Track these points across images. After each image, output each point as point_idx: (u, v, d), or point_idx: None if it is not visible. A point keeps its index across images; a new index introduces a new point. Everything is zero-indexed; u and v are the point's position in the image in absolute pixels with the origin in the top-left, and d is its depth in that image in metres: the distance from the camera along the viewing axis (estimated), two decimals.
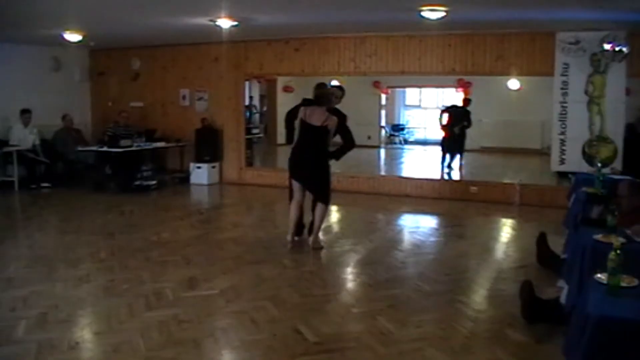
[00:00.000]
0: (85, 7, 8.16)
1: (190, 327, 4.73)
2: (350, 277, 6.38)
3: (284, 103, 19.45)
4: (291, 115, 7.21)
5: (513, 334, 4.61)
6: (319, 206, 7.04)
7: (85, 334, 4.63)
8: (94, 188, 11.33)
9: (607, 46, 8.79)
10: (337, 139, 7.04)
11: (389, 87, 19.65)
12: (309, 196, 7.16)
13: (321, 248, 7.15)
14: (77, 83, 13.48)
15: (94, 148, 11.71)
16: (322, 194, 7.00)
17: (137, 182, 11.41)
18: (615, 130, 9.38)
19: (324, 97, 6.88)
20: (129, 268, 6.36)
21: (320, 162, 6.90)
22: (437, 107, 21.22)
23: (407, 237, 8.25)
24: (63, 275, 6.08)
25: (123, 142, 11.21)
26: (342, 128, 6.98)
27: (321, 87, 7.05)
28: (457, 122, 13.41)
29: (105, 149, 11.33)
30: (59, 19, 9.07)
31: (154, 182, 11.67)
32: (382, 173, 14.74)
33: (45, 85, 12.38)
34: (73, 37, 10.36)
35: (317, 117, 6.71)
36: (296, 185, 7.05)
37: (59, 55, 12.73)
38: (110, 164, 11.70)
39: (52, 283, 5.82)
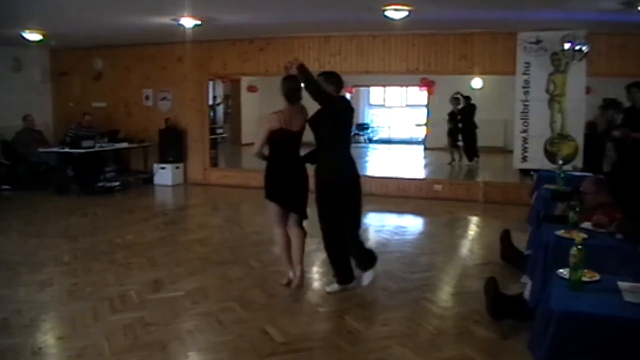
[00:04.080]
0: (46, 5, 8.04)
1: (156, 329, 4.69)
2: (316, 276, 6.36)
3: (248, 103, 19.45)
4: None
5: (479, 330, 4.67)
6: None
7: (48, 338, 4.56)
8: (57, 190, 11.15)
9: (567, 45, 8.92)
10: None
11: (353, 86, 19.66)
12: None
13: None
14: (38, 83, 13.24)
15: (56, 149, 11.52)
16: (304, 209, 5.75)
17: (101, 184, 11.27)
18: (576, 128, 9.52)
19: (296, 90, 5.49)
20: (93, 271, 6.28)
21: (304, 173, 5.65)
22: (401, 106, 21.47)
23: (373, 236, 8.27)
24: (25, 280, 5.99)
25: (85, 143, 11.05)
26: None
27: (291, 79, 5.46)
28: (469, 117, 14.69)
29: (67, 150, 11.16)
30: (18, 18, 8.90)
31: (117, 183, 11.55)
32: None
33: (5, 86, 12.12)
34: (33, 36, 10.18)
35: (299, 120, 5.51)
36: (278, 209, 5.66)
37: (19, 55, 12.50)
38: (72, 166, 11.52)
39: (15, 287, 5.73)
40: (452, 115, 15.08)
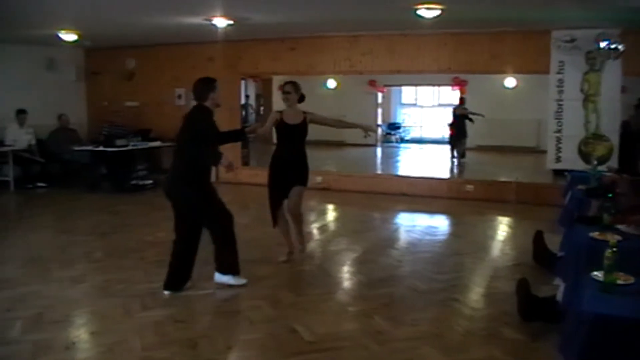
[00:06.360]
0: (81, 6, 8.15)
1: (185, 326, 4.73)
2: (346, 276, 6.37)
3: (280, 102, 19.49)
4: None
5: (509, 332, 4.61)
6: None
7: (81, 334, 4.62)
8: (89, 188, 11.30)
9: (602, 44, 8.78)
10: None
11: (385, 85, 19.63)
12: None
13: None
14: (72, 83, 13.45)
15: (90, 148, 11.66)
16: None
17: (133, 182, 11.40)
18: (611, 128, 9.37)
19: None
20: (123, 268, 6.34)
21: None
22: (433, 106, 21.38)
23: (403, 236, 8.24)
24: (58, 276, 6.07)
25: (119, 142, 11.18)
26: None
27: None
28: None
29: (101, 148, 11.30)
30: (54, 18, 9.07)
31: (149, 181, 11.66)
32: (378, 172, 14.73)
33: (40, 85, 12.34)
34: (68, 36, 10.37)
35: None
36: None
37: (53, 55, 12.71)
38: (105, 164, 11.67)
39: (47, 283, 5.81)
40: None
